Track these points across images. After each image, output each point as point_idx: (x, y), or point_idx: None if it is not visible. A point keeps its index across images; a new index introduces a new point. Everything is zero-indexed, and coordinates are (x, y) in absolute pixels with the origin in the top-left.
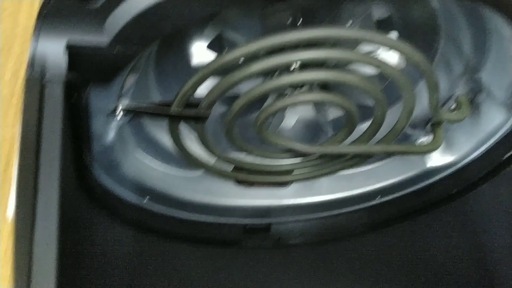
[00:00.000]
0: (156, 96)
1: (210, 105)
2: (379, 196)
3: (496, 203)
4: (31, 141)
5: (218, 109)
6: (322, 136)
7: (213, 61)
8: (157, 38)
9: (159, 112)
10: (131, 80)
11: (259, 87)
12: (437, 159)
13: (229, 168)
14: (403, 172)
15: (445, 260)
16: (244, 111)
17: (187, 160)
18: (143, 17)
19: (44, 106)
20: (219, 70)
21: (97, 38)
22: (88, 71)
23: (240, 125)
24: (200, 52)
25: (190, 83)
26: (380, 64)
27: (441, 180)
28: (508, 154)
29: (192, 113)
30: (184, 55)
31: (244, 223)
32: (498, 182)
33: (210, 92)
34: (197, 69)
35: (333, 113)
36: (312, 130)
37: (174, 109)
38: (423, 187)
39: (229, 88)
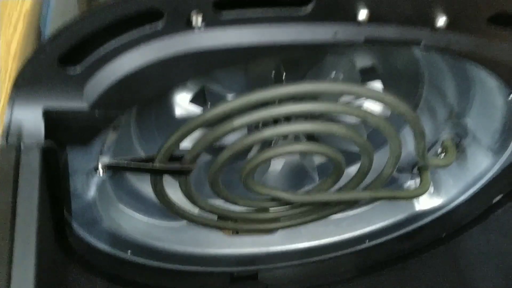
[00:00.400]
0: (138, 150)
1: (194, 158)
2: (367, 240)
3: (486, 246)
4: (6, 212)
5: (203, 157)
6: (309, 181)
7: (196, 118)
8: (138, 102)
9: (142, 168)
10: (112, 137)
11: (243, 140)
12: (425, 202)
13: (214, 217)
14: (391, 216)
15: None
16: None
17: (170, 212)
18: (123, 83)
19: (21, 173)
20: (204, 125)
21: (76, 104)
22: (67, 135)
23: (226, 171)
24: (184, 104)
25: (173, 138)
26: (365, 115)
27: (429, 223)
28: (497, 198)
29: (176, 168)
30: (167, 107)
31: (231, 271)
32: (488, 226)
33: (194, 146)
34: (181, 120)
35: (319, 159)
36: (299, 175)
37: (157, 164)
38: (412, 230)
39: (213, 142)
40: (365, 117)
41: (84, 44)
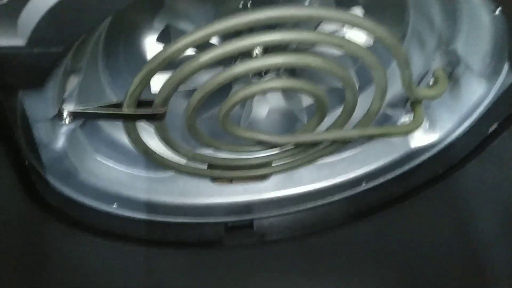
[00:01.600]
0: (112, 97)
1: (164, 102)
2: (364, 182)
3: (483, 180)
4: None
5: (183, 104)
6: (298, 124)
7: (156, 55)
8: (80, 35)
9: (110, 114)
10: (73, 82)
11: (215, 78)
12: (421, 139)
13: (202, 166)
14: (386, 155)
15: (433, 245)
16: (210, 104)
17: (152, 161)
18: (58, 11)
19: None
20: (166, 63)
21: (11, 40)
22: (10, 78)
23: (210, 118)
24: (152, 45)
25: (136, 81)
26: (342, 42)
27: (426, 161)
28: (493, 128)
29: (146, 112)
30: (136, 50)
31: (224, 221)
32: (484, 159)
33: (162, 88)
34: None
35: (307, 100)
36: (288, 119)
37: (125, 109)
38: (409, 169)
39: (181, 82)
40: (341, 45)
41: None
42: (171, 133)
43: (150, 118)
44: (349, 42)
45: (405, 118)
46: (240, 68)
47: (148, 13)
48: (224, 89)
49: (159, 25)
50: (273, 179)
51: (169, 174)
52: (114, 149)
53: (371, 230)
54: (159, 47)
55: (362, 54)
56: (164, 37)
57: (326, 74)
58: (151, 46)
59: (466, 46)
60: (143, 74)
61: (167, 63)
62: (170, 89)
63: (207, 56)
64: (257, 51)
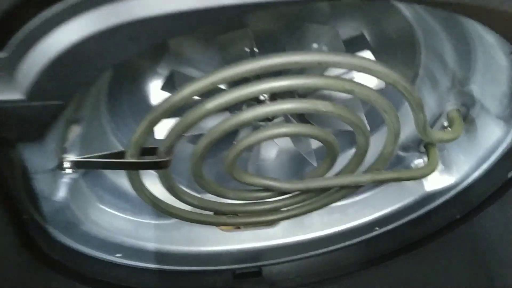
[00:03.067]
0: (116, 144)
1: (169, 149)
2: (377, 227)
3: (505, 226)
4: None
5: (188, 148)
6: (308, 165)
7: (160, 103)
8: (81, 88)
9: (113, 164)
10: (75, 131)
11: (221, 125)
12: (436, 182)
13: (207, 212)
14: (400, 199)
15: None
16: (216, 148)
17: (156, 209)
18: (57, 65)
19: None
20: (172, 111)
21: (9, 95)
22: (8, 130)
23: (216, 162)
24: (156, 91)
25: (139, 130)
26: (354, 87)
27: (442, 205)
28: None
29: (150, 161)
30: (140, 96)
31: (232, 268)
32: (505, 203)
33: (167, 136)
34: None
35: (316, 142)
36: (297, 160)
37: (128, 158)
38: (423, 213)
39: (186, 129)
40: (352, 90)
41: (8, 22)
42: (177, 178)
43: (154, 166)
44: (361, 86)
45: (419, 160)
46: (248, 114)
47: (152, 58)
48: (230, 133)
49: (163, 71)
50: (282, 225)
51: (174, 220)
52: (117, 197)
53: (386, 277)
54: (164, 93)
55: (375, 98)
56: (168, 84)
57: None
58: (155, 91)
59: (482, 87)
60: (147, 123)
61: (172, 111)
62: (174, 137)
63: (214, 103)
64: (264, 95)
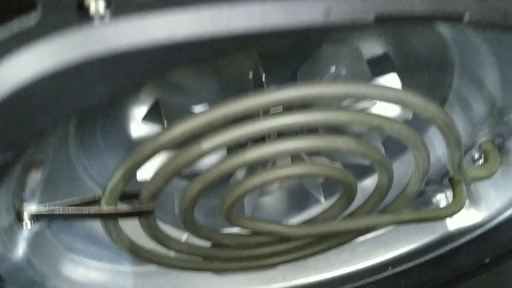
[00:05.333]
0: (90, 184)
1: (153, 196)
2: (390, 267)
3: None
4: None
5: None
6: (312, 202)
7: (144, 145)
8: (35, 138)
9: (83, 214)
10: (36, 176)
11: (219, 167)
12: (461, 218)
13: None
14: (418, 238)
15: None
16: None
17: (138, 258)
18: (7, 109)
19: None
20: (156, 154)
21: None
22: None
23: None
24: (137, 122)
25: (117, 175)
26: (382, 123)
27: (467, 244)
28: None
29: (131, 211)
30: (117, 126)
31: None
32: None
33: (151, 180)
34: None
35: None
36: (301, 195)
37: (104, 207)
38: (445, 254)
39: (177, 173)
40: (381, 127)
41: None
42: (160, 215)
43: (135, 215)
44: (391, 121)
45: (440, 195)
46: (254, 154)
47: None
48: None
49: (146, 98)
50: (283, 266)
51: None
52: (91, 244)
53: None
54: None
55: (406, 134)
56: (152, 114)
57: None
58: (136, 121)
59: None
60: (126, 168)
61: (157, 153)
62: (162, 181)
63: (212, 143)
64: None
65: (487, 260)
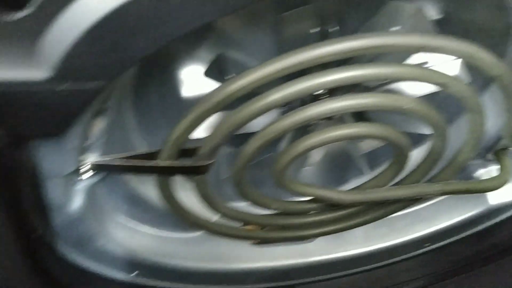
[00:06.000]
0: (137, 145)
1: (212, 152)
2: (427, 243)
3: None
4: None
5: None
6: (353, 172)
7: (212, 94)
8: (133, 64)
9: (143, 167)
10: (99, 126)
11: (280, 123)
12: (503, 193)
13: (237, 224)
14: (457, 213)
15: None
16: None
17: (185, 222)
18: (100, 32)
19: None
20: (223, 104)
21: (29, 72)
22: (24, 123)
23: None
24: (196, 81)
25: (181, 126)
26: (447, 80)
27: (509, 220)
28: None
29: (188, 166)
30: (172, 85)
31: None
32: None
33: (213, 134)
34: (191, 102)
35: (366, 146)
36: (342, 167)
37: (163, 161)
38: (485, 230)
39: (240, 126)
40: (445, 84)
41: None
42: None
43: (193, 172)
44: (455, 80)
45: (482, 169)
46: (318, 109)
47: (193, 40)
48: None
49: (206, 55)
50: (320, 239)
51: (198, 234)
52: (137, 207)
53: None
54: (204, 81)
55: (468, 95)
56: (213, 70)
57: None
58: (191, 79)
59: None
60: (194, 116)
61: (226, 103)
62: (224, 136)
63: (283, 93)
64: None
65: None
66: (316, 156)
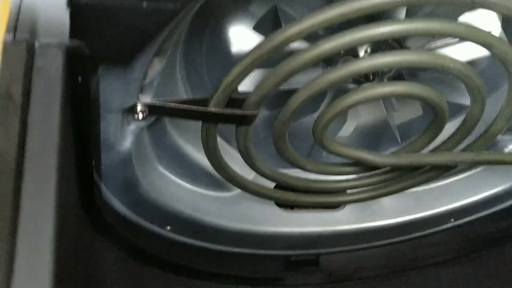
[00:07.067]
0: (182, 94)
1: (260, 101)
2: (454, 219)
3: None
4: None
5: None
6: (387, 143)
7: (266, 40)
8: None
9: (192, 111)
10: (156, 66)
11: (327, 75)
12: None
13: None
14: (485, 188)
15: None
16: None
17: (222, 176)
18: None
19: (34, 82)
20: (273, 53)
21: None
22: (101, 40)
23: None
24: (243, 37)
25: (235, 71)
26: (493, 41)
27: None
28: None
29: (237, 113)
30: (221, 39)
31: (287, 254)
32: None
33: (261, 84)
34: (238, 58)
35: (401, 117)
36: (372, 138)
37: (213, 108)
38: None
39: (289, 77)
40: (491, 44)
41: None
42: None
43: (239, 121)
44: (501, 41)
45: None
46: (365, 64)
47: None
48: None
49: (256, 9)
50: (348, 208)
51: (232, 194)
52: (177, 160)
53: (462, 274)
54: (252, 37)
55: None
56: (263, 24)
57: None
58: (239, 35)
59: None
60: (245, 64)
61: (277, 52)
62: (272, 86)
63: (332, 43)
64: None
65: None
66: (349, 127)
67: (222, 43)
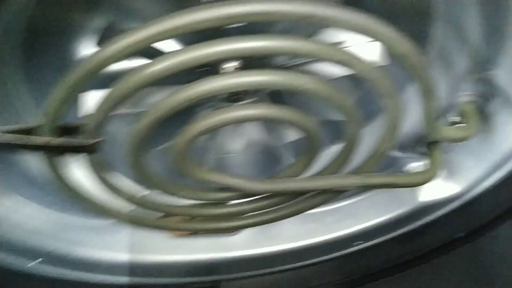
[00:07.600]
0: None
1: (98, 128)
2: (359, 241)
3: None
4: None
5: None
6: (282, 162)
7: (89, 57)
8: None
9: (17, 144)
10: None
11: (173, 97)
12: (436, 190)
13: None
14: (389, 210)
15: None
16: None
17: (89, 207)
18: None
19: None
20: (102, 69)
21: None
22: None
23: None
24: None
25: (57, 94)
26: (351, 60)
27: (442, 218)
28: None
29: (74, 143)
30: (67, 60)
31: (183, 282)
32: None
33: (95, 111)
34: None
35: (293, 134)
36: (271, 156)
37: (44, 139)
38: (417, 228)
39: (121, 101)
40: (349, 62)
41: None
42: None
43: (77, 150)
44: (361, 60)
45: (415, 163)
46: (210, 85)
47: (84, 9)
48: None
49: (100, 23)
50: (245, 233)
51: (109, 221)
52: (36, 188)
53: None
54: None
55: (376, 76)
56: (106, 40)
57: (321, 103)
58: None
59: (510, 74)
60: (68, 84)
61: (103, 68)
62: (105, 111)
63: (162, 64)
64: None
65: (462, 235)
66: (238, 145)
67: (67, 61)
